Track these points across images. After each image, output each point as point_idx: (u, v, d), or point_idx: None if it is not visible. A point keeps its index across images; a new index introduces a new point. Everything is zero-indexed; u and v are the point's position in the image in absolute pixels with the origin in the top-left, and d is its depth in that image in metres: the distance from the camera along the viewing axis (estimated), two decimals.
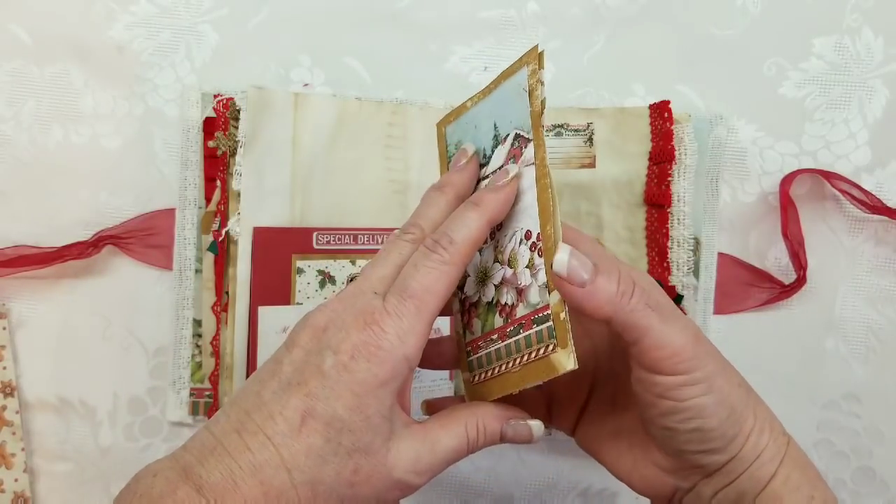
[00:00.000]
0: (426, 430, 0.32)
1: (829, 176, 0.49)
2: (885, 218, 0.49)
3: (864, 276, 0.50)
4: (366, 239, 0.46)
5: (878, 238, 0.50)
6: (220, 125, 0.47)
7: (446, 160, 0.37)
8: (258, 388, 0.31)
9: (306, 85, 0.50)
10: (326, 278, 0.46)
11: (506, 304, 0.33)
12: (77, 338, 0.50)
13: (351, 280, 0.35)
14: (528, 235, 0.32)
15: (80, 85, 0.49)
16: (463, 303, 0.36)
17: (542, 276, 0.31)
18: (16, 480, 0.48)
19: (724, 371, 0.32)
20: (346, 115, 0.48)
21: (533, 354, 0.31)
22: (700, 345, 0.31)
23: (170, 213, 0.49)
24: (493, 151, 0.34)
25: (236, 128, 0.47)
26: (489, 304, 0.34)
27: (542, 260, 0.31)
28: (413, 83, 0.50)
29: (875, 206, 0.48)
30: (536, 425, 0.34)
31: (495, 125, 0.34)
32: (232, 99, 0.47)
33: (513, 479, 0.51)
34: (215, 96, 0.48)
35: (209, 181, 0.48)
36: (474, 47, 0.51)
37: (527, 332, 0.31)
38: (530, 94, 0.32)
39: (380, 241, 0.46)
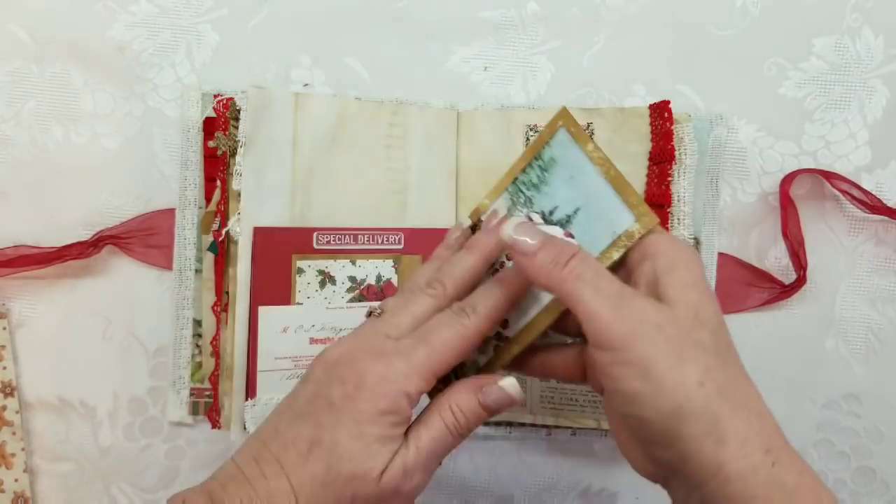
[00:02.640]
0: (409, 433, 0.33)
1: (829, 176, 0.49)
2: (885, 218, 0.49)
3: (864, 275, 0.50)
4: (366, 239, 0.46)
5: (878, 238, 0.50)
6: (220, 125, 0.47)
7: (538, 149, 0.36)
8: (276, 419, 0.33)
9: (306, 85, 0.50)
10: (327, 278, 0.46)
11: None
12: (77, 338, 0.50)
13: (369, 314, 0.36)
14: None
15: (81, 85, 0.49)
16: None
17: None
18: (16, 480, 0.48)
19: (680, 365, 0.29)
20: (347, 116, 0.48)
21: None
22: (644, 326, 0.29)
23: (170, 213, 0.49)
24: (555, 222, 0.35)
25: (236, 128, 0.47)
26: None
27: None
28: (413, 83, 0.50)
29: (875, 206, 0.48)
30: (508, 383, 0.34)
31: (577, 210, 0.35)
32: (232, 99, 0.47)
33: (513, 479, 0.51)
34: (215, 96, 0.48)
35: (209, 181, 0.48)
36: (474, 47, 0.51)
37: None
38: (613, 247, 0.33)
39: (380, 241, 0.46)
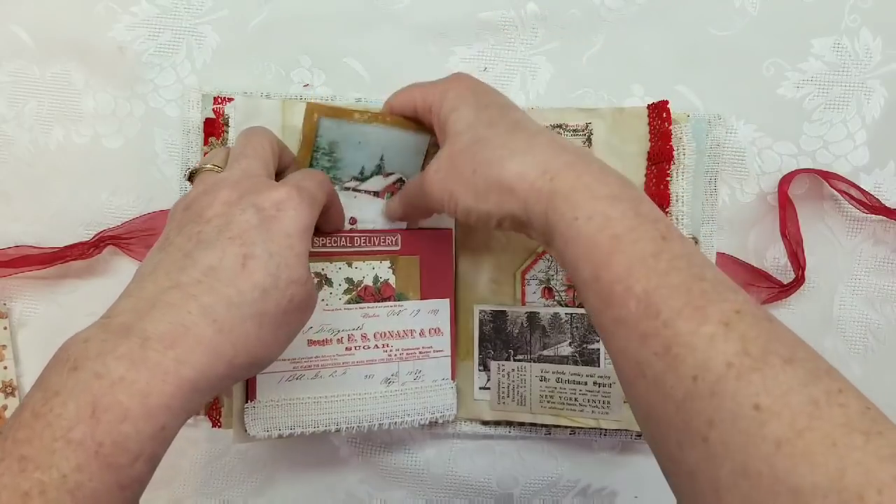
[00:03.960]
0: None
1: (827, 176, 0.49)
2: (884, 218, 0.50)
3: (862, 275, 0.50)
4: (363, 240, 0.46)
5: (877, 238, 0.50)
6: (218, 128, 0.47)
7: (311, 145, 0.41)
8: (178, 255, 0.32)
9: (306, 86, 0.50)
10: (323, 280, 0.46)
11: None
12: None
13: (191, 176, 0.39)
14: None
15: (82, 85, 0.50)
16: None
17: None
18: None
19: (460, 170, 0.36)
20: None
21: None
22: (434, 178, 0.38)
23: None
24: (371, 175, 0.44)
25: (229, 132, 0.47)
26: None
27: None
28: None
29: (873, 207, 0.49)
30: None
31: (383, 157, 0.44)
32: (223, 106, 0.47)
33: (513, 478, 0.51)
34: (216, 98, 0.48)
35: None
36: (474, 48, 0.51)
37: None
38: (426, 158, 0.45)
39: (377, 242, 0.46)
